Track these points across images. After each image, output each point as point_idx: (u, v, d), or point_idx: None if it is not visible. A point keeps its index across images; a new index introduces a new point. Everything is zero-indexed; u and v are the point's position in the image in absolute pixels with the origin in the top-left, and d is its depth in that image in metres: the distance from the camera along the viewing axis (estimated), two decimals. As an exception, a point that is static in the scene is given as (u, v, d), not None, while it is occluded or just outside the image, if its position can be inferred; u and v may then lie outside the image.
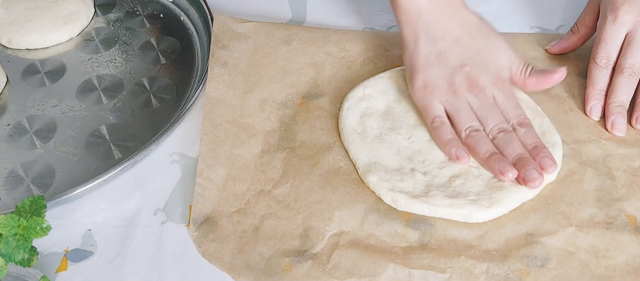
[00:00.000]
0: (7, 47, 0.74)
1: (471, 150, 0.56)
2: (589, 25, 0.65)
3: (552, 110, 0.61)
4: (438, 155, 0.57)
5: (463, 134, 0.57)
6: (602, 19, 0.62)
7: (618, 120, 0.59)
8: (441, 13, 0.60)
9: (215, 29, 0.67)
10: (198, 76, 0.69)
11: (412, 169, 0.56)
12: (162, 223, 0.55)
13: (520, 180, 0.54)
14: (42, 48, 0.73)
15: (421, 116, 0.60)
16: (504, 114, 0.58)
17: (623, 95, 0.60)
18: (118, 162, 0.58)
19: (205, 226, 0.53)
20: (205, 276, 0.51)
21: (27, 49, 0.73)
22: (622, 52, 0.61)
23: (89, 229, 0.55)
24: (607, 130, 0.60)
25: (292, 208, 0.54)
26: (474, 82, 0.58)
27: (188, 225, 0.55)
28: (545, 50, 0.67)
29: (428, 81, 0.59)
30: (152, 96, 0.67)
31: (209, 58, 0.65)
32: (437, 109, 0.58)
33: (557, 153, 0.57)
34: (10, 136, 0.64)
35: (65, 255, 0.53)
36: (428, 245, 0.52)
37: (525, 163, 0.54)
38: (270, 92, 0.63)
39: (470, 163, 0.56)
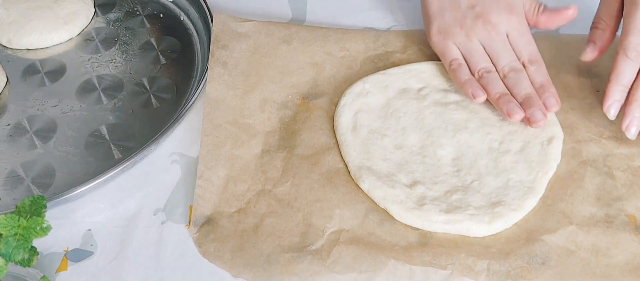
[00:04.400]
0: (7, 47, 0.74)
1: (481, 88, 0.59)
2: (615, 15, 0.59)
3: (552, 109, 0.61)
4: (427, 167, 0.57)
5: (476, 75, 0.60)
6: (632, 6, 0.56)
7: (635, 124, 0.55)
8: None
9: (215, 28, 0.67)
10: (198, 76, 0.69)
11: (401, 179, 0.56)
12: (162, 223, 0.55)
13: (526, 120, 0.57)
14: (42, 48, 0.73)
15: (415, 118, 0.60)
16: (516, 51, 0.60)
17: None
18: (118, 162, 0.58)
19: (205, 227, 0.53)
20: (205, 276, 0.51)
21: (27, 49, 0.73)
22: None
23: (89, 229, 0.55)
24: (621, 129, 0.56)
25: (292, 206, 0.54)
26: (486, 20, 0.60)
27: (188, 225, 0.55)
28: (582, 60, 0.61)
29: (442, 27, 0.62)
30: (152, 96, 0.67)
31: (209, 58, 0.65)
32: (453, 52, 0.61)
33: (557, 147, 0.57)
34: (10, 136, 0.64)
35: (65, 255, 0.53)
36: (429, 243, 0.52)
37: (531, 103, 0.57)
38: (271, 93, 0.63)
39: (472, 177, 0.56)
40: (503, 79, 0.59)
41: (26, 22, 0.73)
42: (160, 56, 0.72)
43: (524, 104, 0.57)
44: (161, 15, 0.77)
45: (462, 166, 0.57)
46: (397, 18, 0.74)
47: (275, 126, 0.61)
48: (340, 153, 0.58)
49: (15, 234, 0.44)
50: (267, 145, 0.59)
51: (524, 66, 0.59)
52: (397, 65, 0.65)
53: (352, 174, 0.56)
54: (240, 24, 0.69)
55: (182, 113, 0.62)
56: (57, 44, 0.74)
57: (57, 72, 0.70)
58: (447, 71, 0.62)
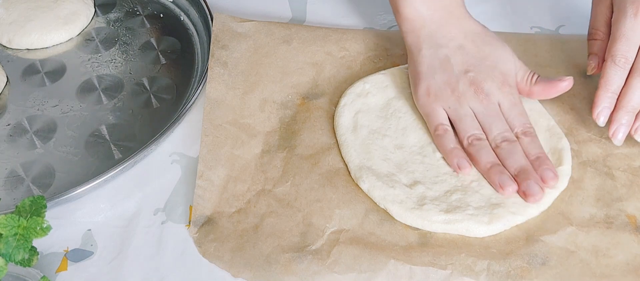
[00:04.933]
0: (7, 47, 0.74)
1: (473, 159, 0.56)
2: (609, 22, 0.59)
3: (552, 110, 0.61)
4: (427, 166, 0.57)
5: (465, 142, 0.56)
6: (619, 13, 0.56)
7: (622, 130, 0.55)
8: (444, 22, 0.60)
9: (215, 28, 0.67)
10: (198, 76, 0.69)
11: (402, 179, 0.56)
12: (162, 223, 0.55)
13: (521, 194, 0.53)
14: (42, 48, 0.73)
15: (415, 118, 0.60)
16: (508, 122, 0.57)
17: (635, 99, 0.54)
18: (118, 162, 0.58)
19: (205, 227, 0.53)
20: (205, 276, 0.51)
21: (27, 49, 0.73)
22: (639, 55, 0.55)
23: (89, 230, 0.55)
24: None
25: (292, 206, 0.54)
26: (479, 88, 0.57)
27: (188, 225, 0.55)
28: (588, 73, 0.61)
29: (431, 88, 0.58)
30: (152, 96, 0.67)
31: (209, 58, 0.65)
32: (441, 117, 0.58)
33: (566, 158, 0.56)
34: (10, 136, 0.64)
35: (65, 255, 0.53)
36: (429, 243, 0.52)
37: (527, 175, 0.53)
38: (271, 93, 0.63)
39: (471, 177, 0.56)
40: (495, 149, 0.56)
41: (26, 22, 0.73)
42: (160, 56, 0.72)
43: (518, 177, 0.54)
44: (161, 15, 0.77)
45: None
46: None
47: (275, 126, 0.61)
48: (340, 153, 0.58)
49: (15, 234, 0.44)
50: (267, 145, 0.59)
51: (517, 137, 0.56)
52: (397, 65, 0.65)
53: (352, 174, 0.56)
54: (240, 24, 0.69)
55: (182, 113, 0.62)
56: (57, 44, 0.74)
57: (57, 72, 0.70)
58: (432, 136, 0.58)
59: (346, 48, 0.67)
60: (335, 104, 0.62)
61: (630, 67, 0.55)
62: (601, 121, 0.56)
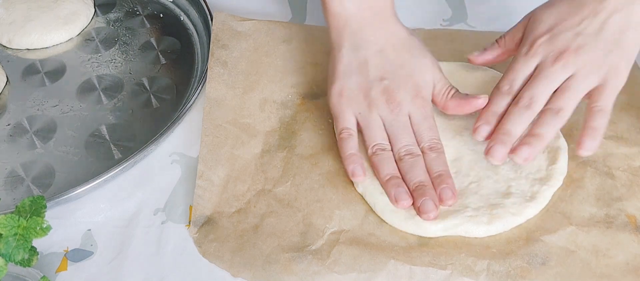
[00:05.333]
0: (7, 47, 0.74)
1: (374, 168, 0.55)
2: (515, 42, 0.60)
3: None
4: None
5: (370, 151, 0.56)
6: (521, 46, 0.58)
7: (496, 148, 0.54)
8: (369, 22, 0.59)
9: (214, 27, 0.67)
10: (198, 76, 0.69)
11: None
12: (162, 223, 0.55)
13: (416, 209, 0.53)
14: (42, 48, 0.73)
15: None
16: (417, 135, 0.56)
17: (512, 125, 0.54)
18: (118, 162, 0.58)
19: (205, 227, 0.53)
20: (205, 276, 0.51)
21: (27, 49, 0.73)
22: (526, 83, 0.56)
23: (89, 230, 0.55)
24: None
25: (292, 206, 0.54)
26: (391, 97, 0.56)
27: (188, 225, 0.55)
28: (468, 58, 0.63)
29: (344, 90, 0.58)
30: (152, 96, 0.67)
31: (209, 58, 0.65)
32: (348, 120, 0.57)
33: (562, 156, 0.56)
34: (10, 136, 0.64)
35: (65, 255, 0.53)
36: (428, 243, 0.52)
37: (423, 192, 0.53)
38: (271, 92, 0.63)
39: (470, 179, 0.56)
40: (398, 161, 0.55)
41: (26, 22, 0.73)
42: (160, 56, 0.72)
43: (415, 192, 0.53)
44: (161, 15, 0.77)
45: (461, 167, 0.57)
46: (397, 18, 0.74)
47: (275, 126, 0.61)
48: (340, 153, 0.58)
49: (15, 234, 0.44)
50: (267, 145, 0.59)
51: (423, 151, 0.56)
52: (397, 65, 0.65)
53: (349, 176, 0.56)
54: (240, 24, 0.69)
55: (182, 113, 0.62)
56: (57, 44, 0.74)
57: (57, 72, 0.70)
58: (336, 137, 0.58)
59: (346, 48, 0.67)
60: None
61: (514, 96, 0.56)
62: (479, 136, 0.56)
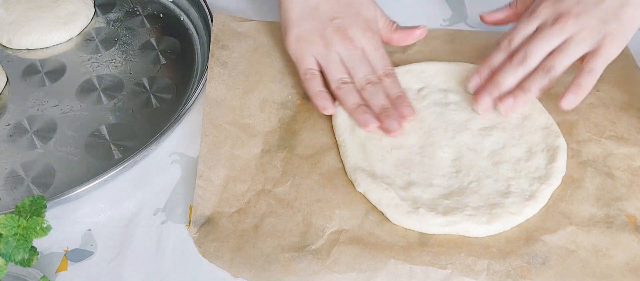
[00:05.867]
0: (7, 47, 0.74)
1: (340, 101, 0.60)
2: (528, 5, 0.64)
3: (552, 110, 0.61)
4: (426, 167, 0.57)
5: (333, 85, 0.61)
6: (535, 4, 0.62)
7: (482, 96, 0.59)
8: None
9: (215, 28, 0.67)
10: (198, 76, 0.69)
11: (396, 181, 0.56)
12: (162, 223, 0.55)
13: (384, 130, 0.59)
14: (42, 48, 0.73)
15: (413, 120, 0.60)
16: (372, 65, 0.62)
17: (502, 78, 0.59)
18: (118, 162, 0.58)
19: (205, 227, 0.53)
20: (205, 276, 0.51)
21: (27, 49, 0.73)
22: (524, 42, 0.60)
23: (89, 230, 0.55)
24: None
25: (292, 206, 0.54)
26: (344, 34, 0.62)
27: (188, 225, 0.55)
28: (480, 16, 0.69)
29: (301, 35, 0.62)
30: (152, 96, 0.67)
31: (209, 58, 0.65)
32: (309, 62, 0.62)
33: (561, 155, 0.56)
34: (10, 136, 0.64)
35: (65, 255, 0.53)
36: (428, 243, 0.52)
37: (388, 114, 0.59)
38: (271, 93, 0.63)
39: (470, 178, 0.56)
40: (360, 91, 0.60)
41: (26, 22, 0.73)
42: (160, 56, 0.72)
43: (381, 115, 0.59)
44: (161, 15, 0.77)
45: (461, 167, 0.57)
46: (395, 18, 0.74)
47: (275, 126, 0.61)
48: (340, 153, 0.58)
49: (15, 234, 0.44)
50: (267, 145, 0.59)
51: (380, 79, 0.61)
52: (397, 65, 0.65)
53: (348, 175, 0.56)
54: (240, 24, 0.69)
55: (182, 113, 0.62)
56: (57, 44, 0.74)
57: (57, 72, 0.70)
58: (301, 81, 0.62)
59: (346, 48, 0.67)
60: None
61: (509, 54, 0.60)
62: (470, 87, 0.61)
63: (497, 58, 0.61)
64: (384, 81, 0.61)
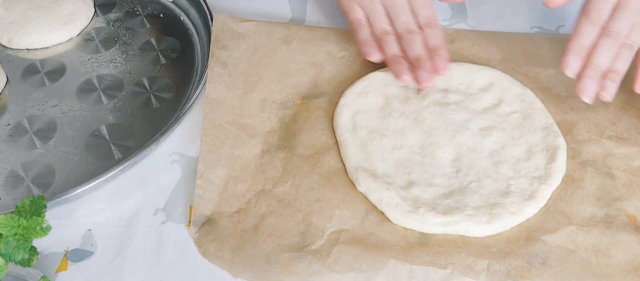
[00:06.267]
0: (7, 47, 0.74)
1: (383, 49, 0.63)
2: None
3: (552, 109, 0.61)
4: (426, 167, 0.57)
5: (377, 35, 0.63)
6: None
7: (588, 85, 0.57)
8: None
9: (214, 28, 0.67)
10: (198, 76, 0.69)
11: (396, 181, 0.56)
12: (162, 223, 0.55)
13: (414, 80, 0.61)
14: (42, 48, 0.73)
15: (415, 118, 0.60)
16: (415, 12, 0.63)
17: (602, 58, 0.57)
18: (118, 162, 0.58)
19: (205, 227, 0.53)
20: (205, 276, 0.51)
21: (27, 49, 0.73)
22: (611, 15, 0.58)
23: (89, 230, 0.55)
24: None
25: (292, 205, 0.54)
26: None
27: (188, 225, 0.55)
28: (544, 3, 0.63)
29: None
30: (152, 96, 0.67)
31: (209, 58, 0.65)
32: (357, 12, 0.65)
33: (560, 156, 0.56)
34: (10, 136, 0.64)
35: (65, 255, 0.53)
36: (428, 243, 0.52)
37: (420, 64, 0.60)
38: (271, 93, 0.63)
39: (470, 178, 0.56)
40: (400, 40, 0.62)
41: (26, 22, 0.73)
42: (160, 56, 0.72)
43: (414, 64, 0.61)
44: (161, 15, 0.77)
45: (461, 167, 0.57)
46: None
47: (275, 126, 0.61)
48: (340, 153, 0.58)
49: (15, 234, 0.44)
50: (267, 145, 0.59)
51: (421, 28, 0.63)
52: (397, 65, 0.65)
53: (349, 175, 0.56)
54: (240, 24, 0.69)
55: (182, 113, 0.62)
56: (57, 44, 0.74)
57: (57, 72, 0.70)
58: (350, 30, 0.65)
59: (346, 48, 0.67)
60: (335, 104, 0.62)
61: (600, 26, 0.57)
62: (570, 71, 0.57)
63: (588, 32, 0.57)
64: (425, 30, 0.62)
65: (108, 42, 0.74)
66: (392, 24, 0.63)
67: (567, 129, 0.59)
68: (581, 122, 0.60)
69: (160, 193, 0.57)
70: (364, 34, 0.64)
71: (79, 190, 0.55)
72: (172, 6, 0.78)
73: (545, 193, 0.54)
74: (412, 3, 0.63)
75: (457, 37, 0.70)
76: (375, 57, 0.62)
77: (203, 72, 0.67)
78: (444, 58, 0.61)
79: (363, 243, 0.52)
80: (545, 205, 0.54)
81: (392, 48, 0.62)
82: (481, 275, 0.49)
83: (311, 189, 0.55)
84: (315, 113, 0.62)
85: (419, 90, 0.63)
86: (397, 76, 0.61)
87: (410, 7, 0.63)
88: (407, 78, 0.61)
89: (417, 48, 0.61)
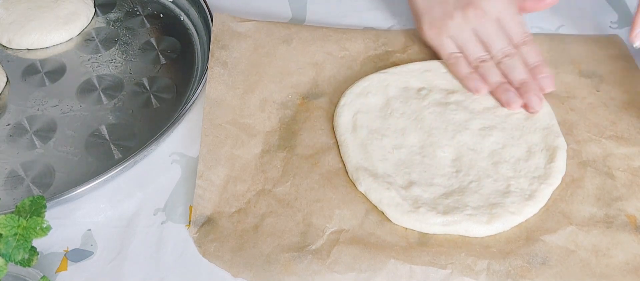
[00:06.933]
0: (7, 47, 0.74)
1: (483, 80, 0.60)
2: None
3: (553, 109, 0.61)
4: (426, 167, 0.57)
5: (473, 66, 0.61)
6: None
7: None
8: None
9: (214, 28, 0.67)
10: (198, 76, 0.69)
11: (397, 180, 0.56)
12: (162, 223, 0.55)
13: (525, 107, 0.59)
14: (42, 48, 0.73)
15: (415, 118, 0.60)
16: (508, 35, 0.61)
17: None
18: (118, 162, 0.58)
19: (205, 227, 0.53)
20: (205, 276, 0.51)
21: (27, 49, 0.73)
22: None
23: (89, 229, 0.55)
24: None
25: (292, 205, 0.54)
26: (476, 6, 0.61)
27: (188, 225, 0.55)
28: (630, 39, 0.63)
29: (433, 22, 0.63)
30: (152, 96, 0.67)
31: (209, 58, 0.65)
32: (449, 46, 0.62)
33: (560, 156, 0.56)
34: (10, 136, 0.64)
35: (65, 255, 0.53)
36: (428, 243, 0.52)
37: (528, 88, 0.58)
38: (271, 93, 0.63)
39: (470, 178, 0.56)
40: (498, 65, 0.60)
41: (26, 22, 0.73)
42: (160, 56, 0.72)
43: (520, 90, 0.59)
44: (161, 15, 0.77)
45: (461, 167, 0.57)
46: (397, 18, 0.74)
47: (275, 126, 0.61)
48: (340, 153, 0.58)
49: (15, 234, 0.44)
50: (267, 145, 0.59)
51: (517, 47, 0.61)
52: (397, 65, 0.65)
53: (349, 175, 0.56)
54: (240, 24, 0.69)
55: (182, 113, 0.62)
56: (57, 44, 0.74)
57: (57, 72, 0.70)
58: (447, 66, 0.63)
59: (346, 48, 0.67)
60: (335, 104, 0.62)
61: None
62: (638, 43, 0.61)
63: None
64: (522, 48, 0.61)
65: (108, 42, 0.74)
66: (487, 50, 0.61)
67: (567, 129, 0.59)
68: (581, 122, 0.60)
69: (160, 193, 0.57)
70: (464, 68, 0.61)
71: (79, 190, 0.55)
72: (172, 6, 0.78)
73: (545, 193, 0.54)
74: (502, 23, 0.61)
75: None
76: (484, 91, 0.60)
77: (203, 72, 0.67)
78: (549, 77, 0.59)
79: (363, 243, 0.52)
80: (545, 205, 0.54)
81: (494, 76, 0.60)
82: (481, 275, 0.49)
83: (311, 189, 0.55)
84: (315, 113, 0.62)
85: (418, 90, 0.63)
86: (507, 104, 0.59)
87: (502, 28, 0.61)
88: (516, 106, 0.59)
89: (519, 73, 0.60)
